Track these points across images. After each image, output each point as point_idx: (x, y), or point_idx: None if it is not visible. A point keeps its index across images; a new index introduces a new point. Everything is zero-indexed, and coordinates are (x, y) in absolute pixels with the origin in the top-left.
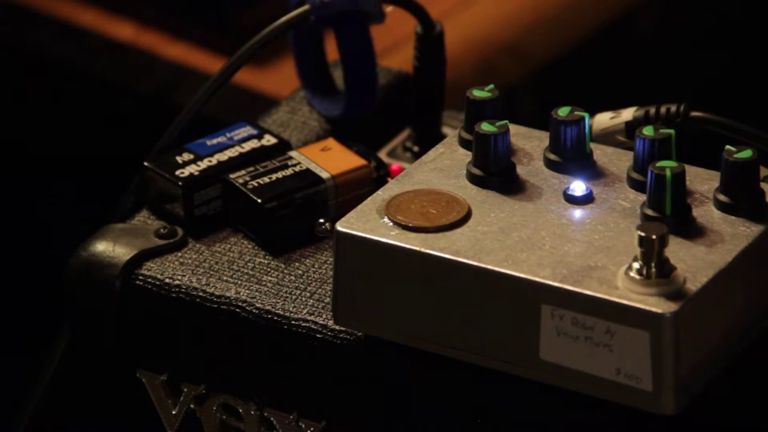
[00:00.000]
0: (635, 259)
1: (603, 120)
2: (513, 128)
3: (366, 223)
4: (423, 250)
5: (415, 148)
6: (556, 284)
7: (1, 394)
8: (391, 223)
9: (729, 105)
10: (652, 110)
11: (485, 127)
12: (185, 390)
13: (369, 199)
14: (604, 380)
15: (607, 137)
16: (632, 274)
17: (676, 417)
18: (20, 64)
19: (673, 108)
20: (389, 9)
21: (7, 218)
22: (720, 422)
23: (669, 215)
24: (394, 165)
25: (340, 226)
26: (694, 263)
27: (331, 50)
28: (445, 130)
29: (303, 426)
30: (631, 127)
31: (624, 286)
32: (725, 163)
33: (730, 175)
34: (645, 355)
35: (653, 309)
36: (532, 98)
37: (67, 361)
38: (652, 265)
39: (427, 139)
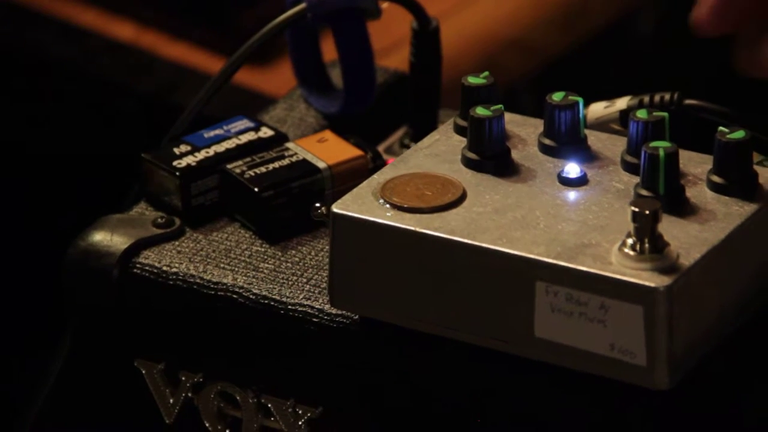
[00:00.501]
0: (629, 236)
1: (597, 109)
2: (508, 116)
3: (362, 204)
4: (418, 229)
5: (412, 145)
6: (550, 260)
7: (1, 392)
8: (387, 205)
9: (728, 105)
10: (646, 98)
11: (480, 111)
12: (183, 379)
13: (365, 182)
14: (598, 356)
15: (601, 126)
16: (626, 249)
17: (670, 392)
18: (20, 64)
19: (667, 96)
20: (385, 5)
21: (7, 218)
22: (714, 398)
23: (662, 194)
24: (391, 160)
25: (335, 208)
26: (688, 240)
27: (328, 49)
28: None
29: (300, 412)
30: (626, 116)
31: (618, 262)
32: (718, 144)
33: (723, 156)
34: (639, 330)
35: (646, 283)
36: (533, 96)
37: (67, 353)
38: (646, 240)
39: (424, 136)
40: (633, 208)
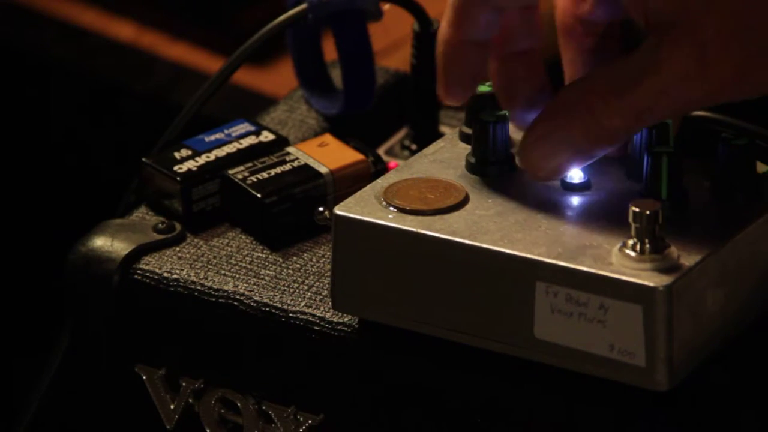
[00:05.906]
0: (629, 237)
1: None
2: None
3: (364, 207)
4: (419, 230)
5: (413, 147)
6: (550, 261)
7: (1, 393)
8: (390, 207)
9: (728, 106)
10: None
11: (484, 116)
12: (183, 384)
13: (368, 186)
14: (597, 357)
15: None
16: (627, 250)
17: (670, 393)
18: (20, 64)
19: None
20: (386, 7)
21: (7, 218)
22: (713, 402)
23: (665, 199)
24: (392, 163)
25: (338, 210)
26: (690, 243)
27: (329, 49)
28: (443, 128)
29: (301, 419)
30: None
31: (618, 262)
32: (721, 150)
33: (727, 162)
34: (638, 330)
35: (646, 282)
36: None
37: (66, 356)
38: (646, 241)
39: (424, 137)
40: (633, 208)
